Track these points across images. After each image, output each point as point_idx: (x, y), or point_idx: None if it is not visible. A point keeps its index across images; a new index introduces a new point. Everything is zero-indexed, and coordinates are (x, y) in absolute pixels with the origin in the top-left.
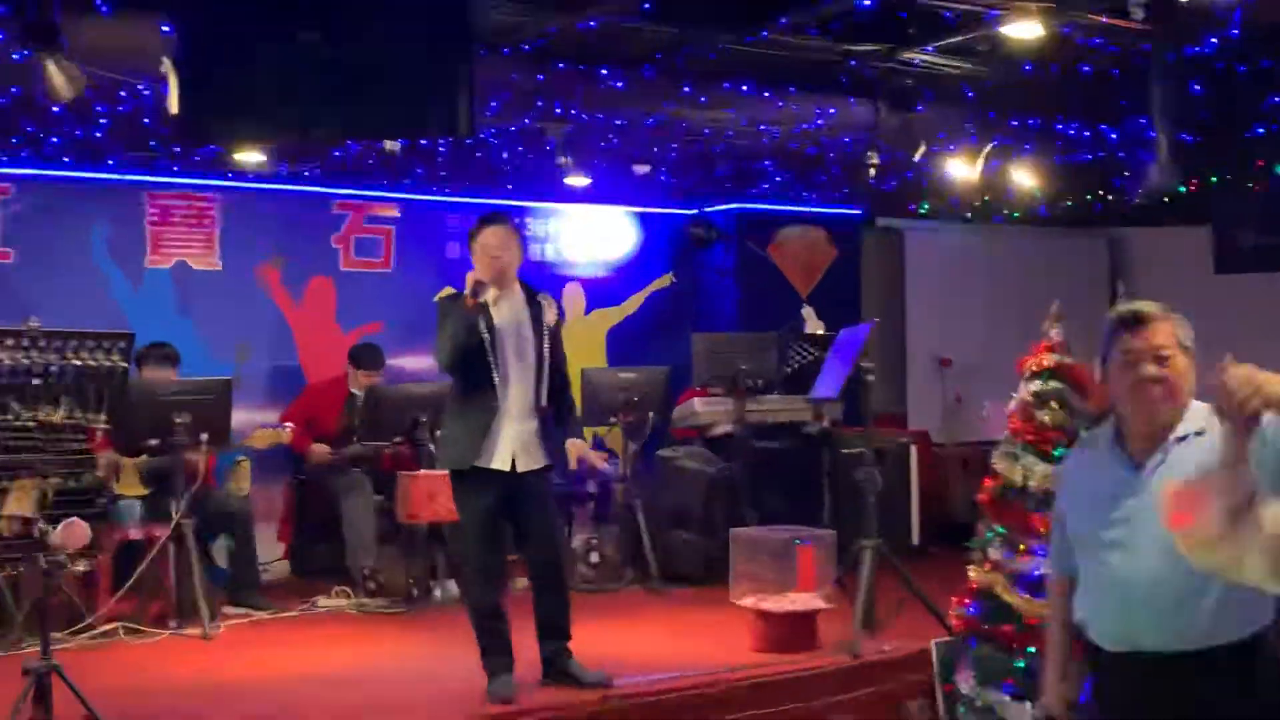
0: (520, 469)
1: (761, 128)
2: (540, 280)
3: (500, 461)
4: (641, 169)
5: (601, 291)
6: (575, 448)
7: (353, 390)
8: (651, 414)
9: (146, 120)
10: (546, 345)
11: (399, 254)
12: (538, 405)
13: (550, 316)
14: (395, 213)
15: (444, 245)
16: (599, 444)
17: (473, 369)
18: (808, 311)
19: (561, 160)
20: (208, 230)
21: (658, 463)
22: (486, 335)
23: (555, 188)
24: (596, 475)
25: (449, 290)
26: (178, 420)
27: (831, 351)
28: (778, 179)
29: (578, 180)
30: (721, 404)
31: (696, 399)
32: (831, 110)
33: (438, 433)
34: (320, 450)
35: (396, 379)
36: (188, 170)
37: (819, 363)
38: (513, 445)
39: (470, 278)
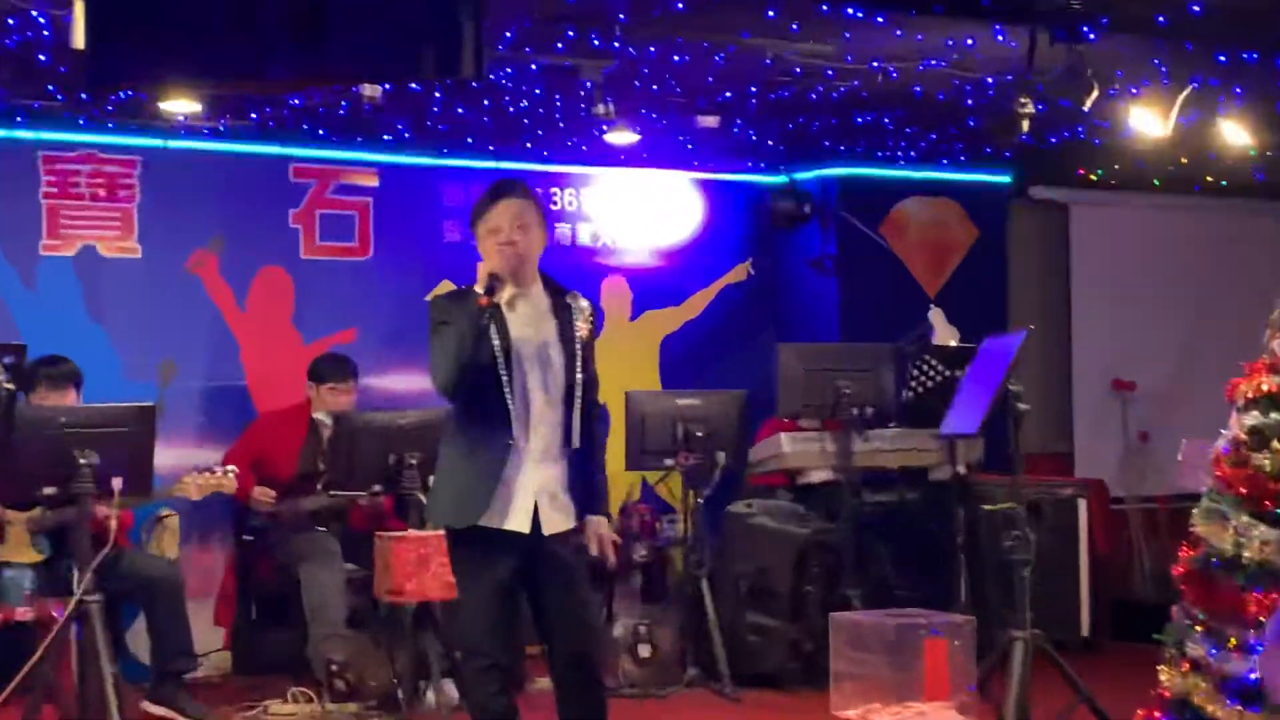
0: (544, 530)
1: (874, 65)
2: (570, 273)
3: (516, 520)
4: (708, 121)
5: (654, 287)
6: (594, 528)
7: (316, 420)
8: (721, 454)
9: (42, 57)
10: (579, 364)
11: (379, 237)
12: (566, 444)
13: (584, 327)
14: (374, 181)
15: (440, 224)
16: (648, 497)
17: (480, 394)
18: (936, 315)
19: (600, 109)
20: (123, 205)
21: (729, 521)
22: (500, 349)
23: (592, 147)
24: (622, 560)
25: (446, 286)
26: (82, 461)
27: (969, 371)
28: (896, 135)
29: (622, 137)
30: (817, 441)
31: (783, 434)
32: (969, 40)
33: (430, 479)
34: (273, 502)
35: (375, 405)
36: (96, 124)
37: (952, 386)
38: (533, 497)
39: (482, 269)
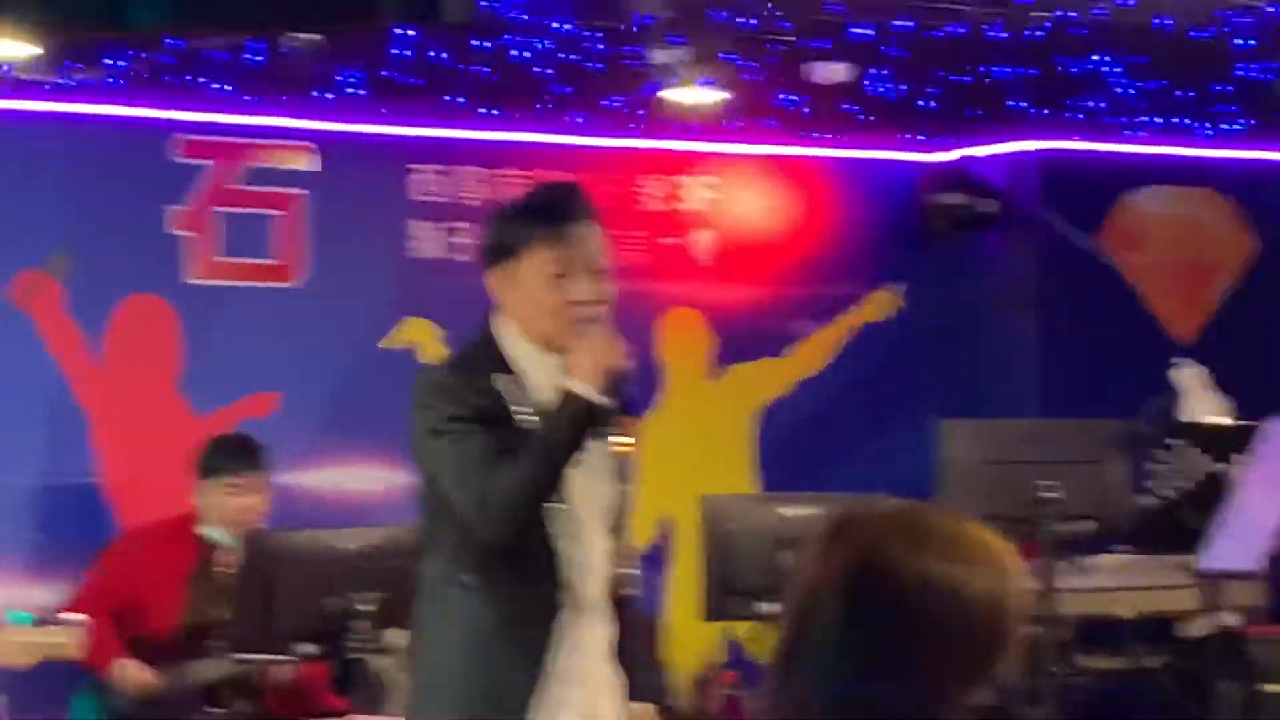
0: None
1: None
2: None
3: (566, 718)
4: (832, 71)
5: (746, 329)
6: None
7: (210, 540)
8: None
9: None
10: (627, 470)
11: (316, 249)
12: (618, 599)
13: (630, 437)
14: (309, 163)
15: (404, 230)
16: (737, 660)
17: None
18: (1190, 375)
19: (661, 59)
20: None
21: None
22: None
23: (648, 112)
24: None
25: (418, 328)
26: None
27: (1252, 471)
28: (1127, 91)
29: (694, 95)
30: None
31: None
32: None
33: (416, 650)
34: (145, 676)
35: (304, 518)
36: None
37: (1218, 488)
38: (592, 683)
39: (587, 359)
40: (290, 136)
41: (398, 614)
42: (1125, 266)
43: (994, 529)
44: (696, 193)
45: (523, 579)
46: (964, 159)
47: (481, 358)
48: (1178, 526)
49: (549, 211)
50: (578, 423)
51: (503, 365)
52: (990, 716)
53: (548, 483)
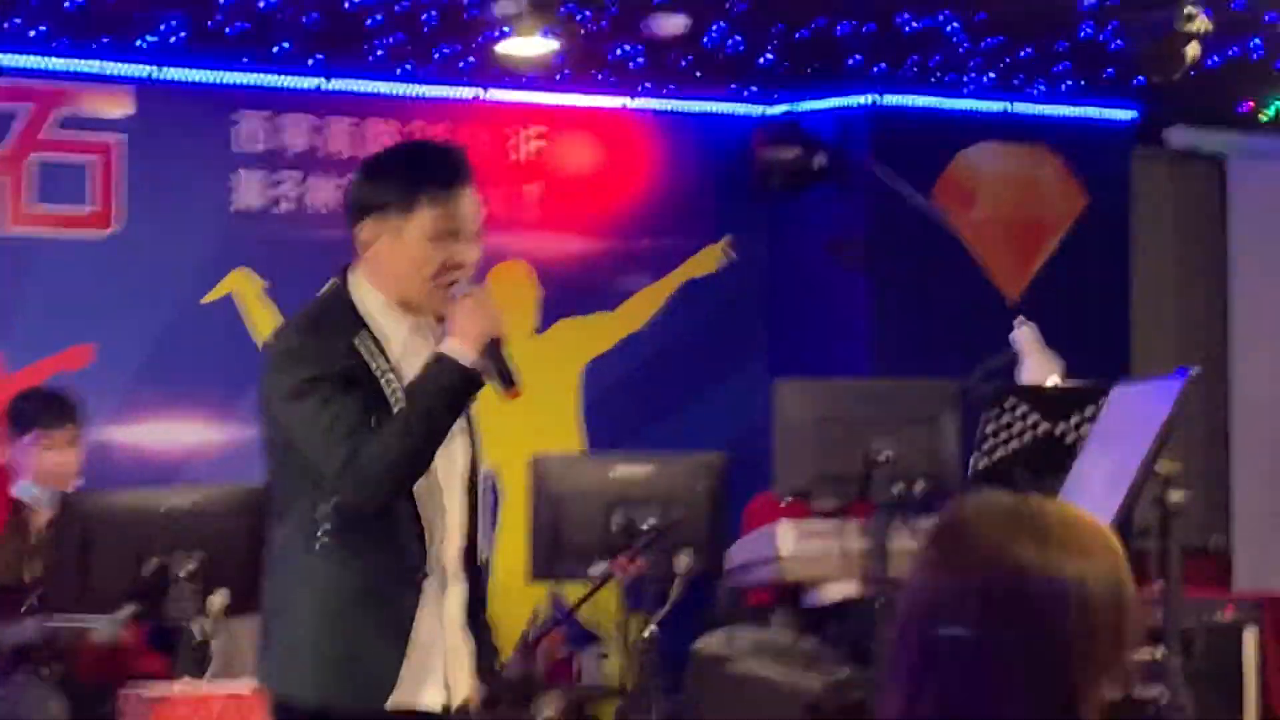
0: (454, 700)
1: None
2: None
3: (431, 692)
4: (670, 24)
5: (574, 281)
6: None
7: (20, 500)
8: (684, 556)
9: None
10: (473, 424)
11: (133, 198)
12: (471, 558)
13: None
14: (126, 107)
15: (227, 178)
16: (566, 621)
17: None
18: (1026, 335)
19: (501, 9)
20: None
21: (697, 665)
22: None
23: (481, 61)
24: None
25: (240, 279)
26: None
27: (1093, 437)
28: (962, 46)
29: (529, 46)
30: (834, 535)
31: (782, 524)
32: None
33: (265, 614)
34: None
35: (120, 474)
36: None
37: (1052, 448)
38: (449, 651)
39: (469, 319)
40: (108, 81)
41: (219, 575)
42: (957, 223)
43: (827, 489)
44: (527, 145)
45: (384, 544)
46: (796, 113)
47: (335, 317)
48: (1011, 487)
49: (440, 170)
50: (458, 389)
51: (359, 324)
52: (828, 688)
53: (427, 450)
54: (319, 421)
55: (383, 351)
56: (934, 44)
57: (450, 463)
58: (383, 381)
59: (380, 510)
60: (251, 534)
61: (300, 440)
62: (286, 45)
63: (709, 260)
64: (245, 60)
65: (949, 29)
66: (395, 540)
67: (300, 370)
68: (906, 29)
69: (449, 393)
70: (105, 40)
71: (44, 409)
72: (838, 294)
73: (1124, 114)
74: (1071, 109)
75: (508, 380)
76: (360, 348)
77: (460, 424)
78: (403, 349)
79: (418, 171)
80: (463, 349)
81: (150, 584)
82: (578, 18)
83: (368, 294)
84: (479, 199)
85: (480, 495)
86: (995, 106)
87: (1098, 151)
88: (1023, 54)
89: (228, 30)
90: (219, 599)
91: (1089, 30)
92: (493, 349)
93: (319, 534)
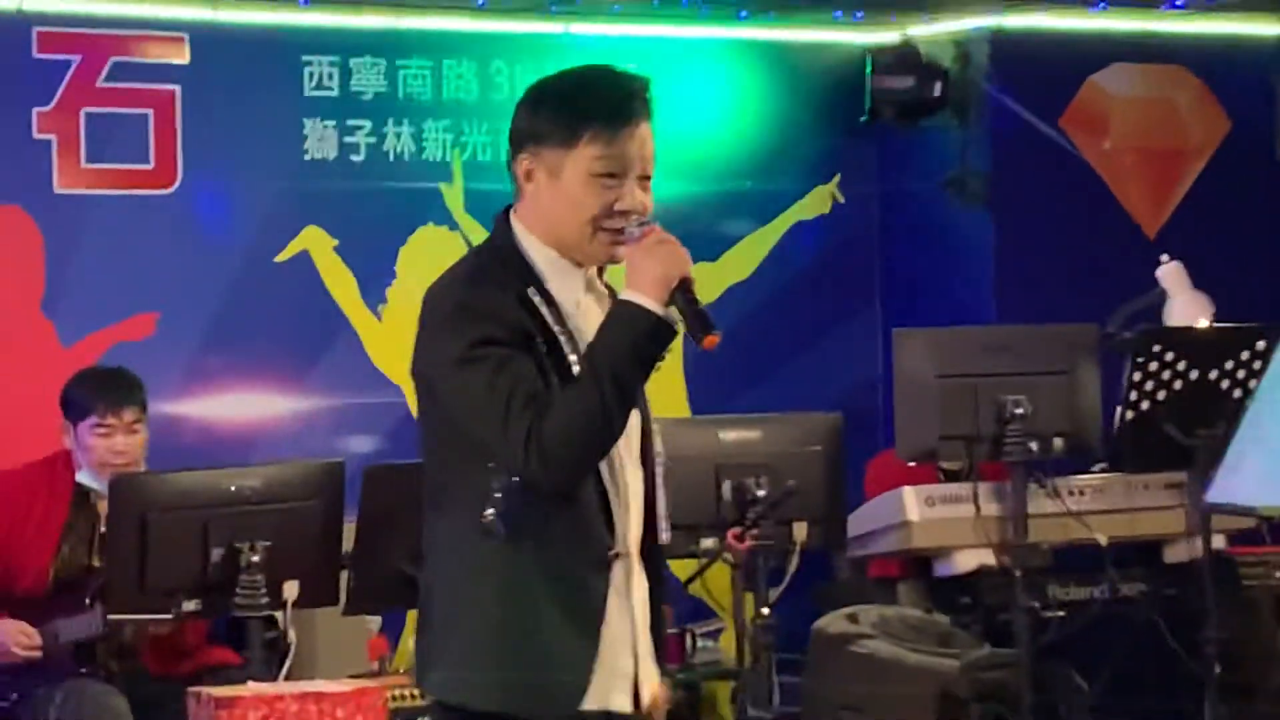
0: (644, 699)
1: None
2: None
3: (618, 695)
4: None
5: (674, 231)
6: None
7: (85, 488)
8: (800, 526)
9: None
10: (644, 400)
11: (191, 153)
12: (652, 542)
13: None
14: (182, 56)
15: (299, 126)
16: (677, 598)
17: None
18: (1171, 274)
19: None
20: None
21: (818, 644)
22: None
23: None
24: None
25: (315, 237)
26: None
27: (1270, 387)
28: None
29: None
30: (965, 501)
31: (906, 490)
32: None
33: (436, 616)
34: (14, 632)
35: (190, 451)
36: None
37: (1204, 396)
38: (639, 646)
39: (649, 261)
40: (160, 27)
41: (291, 565)
42: (1089, 154)
43: (955, 450)
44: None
45: (569, 528)
46: (908, 38)
47: (503, 267)
48: (1160, 442)
49: (611, 102)
50: (648, 341)
51: (530, 275)
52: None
53: (620, 416)
54: (496, 391)
55: (556, 307)
56: None
57: (628, 442)
58: (562, 340)
59: (569, 489)
60: (327, 518)
61: (471, 413)
62: None
63: (818, 202)
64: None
65: None
66: (582, 522)
67: (470, 330)
68: None
69: (638, 347)
70: None
71: (102, 392)
72: (959, 235)
73: (1270, 30)
74: (1212, 25)
75: (705, 324)
76: (535, 299)
77: (640, 411)
78: (575, 307)
79: (582, 102)
80: (648, 295)
81: (216, 574)
82: None
83: (532, 242)
84: (651, 140)
85: (656, 469)
86: (1129, 26)
87: (1241, 72)
88: None
89: None
90: (291, 590)
91: None
92: (683, 291)
93: (496, 519)
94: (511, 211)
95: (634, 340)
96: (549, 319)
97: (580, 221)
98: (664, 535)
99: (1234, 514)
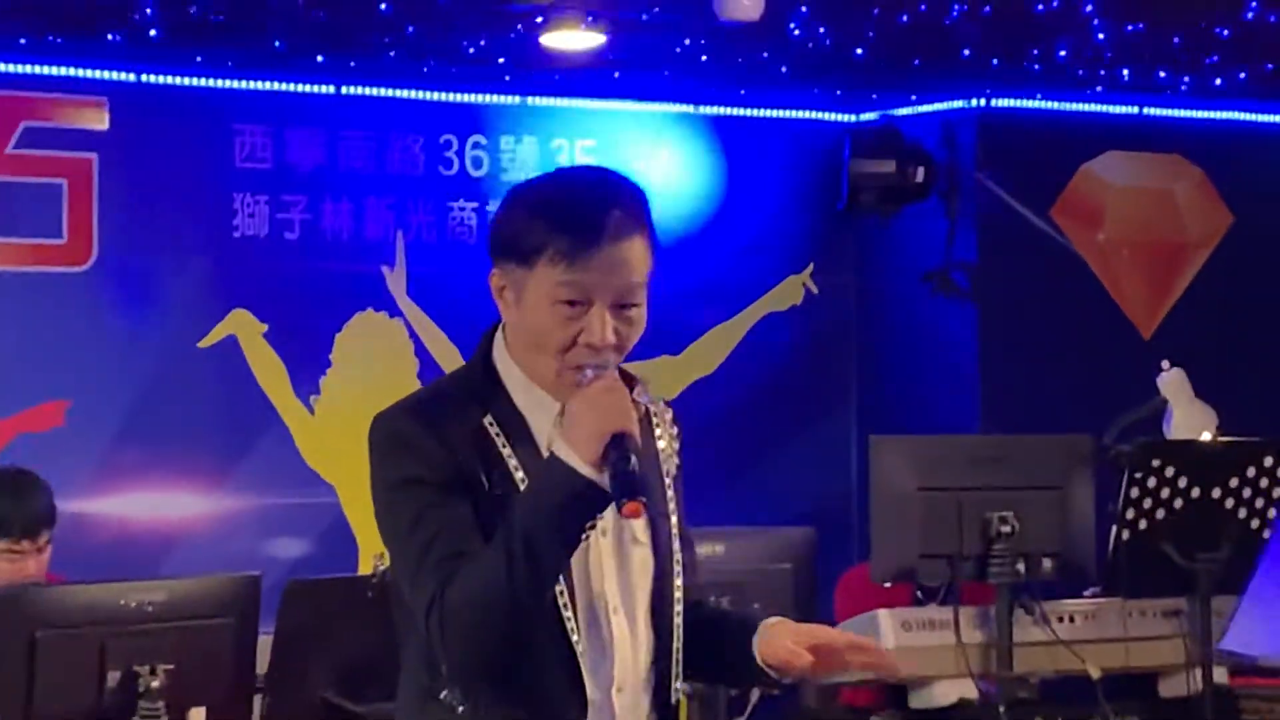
0: None
1: None
2: (482, 291)
3: None
4: (741, 7)
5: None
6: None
7: None
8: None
9: None
10: (677, 547)
11: (107, 226)
12: (663, 704)
13: (672, 461)
14: (101, 121)
15: (229, 200)
16: None
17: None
18: (1172, 383)
19: None
20: None
21: None
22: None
23: (519, 59)
24: None
25: (241, 320)
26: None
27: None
28: (1092, 35)
29: (575, 39)
30: (945, 627)
31: (882, 613)
32: None
33: None
34: None
35: (95, 557)
36: None
37: (1207, 515)
38: None
39: (587, 413)
40: (78, 86)
41: (196, 690)
42: (1082, 247)
43: (936, 569)
44: (573, 158)
45: (528, 698)
46: (889, 119)
47: (466, 392)
48: (1158, 565)
49: (574, 219)
50: (569, 504)
51: (496, 404)
52: None
53: (528, 587)
54: (411, 543)
55: (530, 439)
56: (1061, 30)
57: (629, 587)
58: (519, 480)
59: (471, 671)
60: (239, 638)
61: (393, 560)
62: (281, 43)
63: (790, 292)
64: (237, 61)
65: (1086, 8)
66: (544, 693)
67: (400, 465)
68: (1037, 6)
69: (561, 511)
70: (68, 35)
71: (14, 511)
72: (941, 332)
73: (1275, 118)
74: (1214, 113)
75: (629, 490)
76: (492, 431)
77: (640, 534)
78: (549, 442)
79: (544, 216)
80: (579, 453)
81: (112, 700)
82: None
83: (509, 366)
84: (636, 254)
85: (676, 628)
86: (1125, 110)
87: (1245, 162)
88: (1173, 41)
89: (212, 18)
90: (197, 719)
91: (1254, 9)
92: (616, 447)
93: (441, 682)
94: (500, 326)
95: (556, 503)
96: (505, 456)
97: (545, 353)
98: (676, 695)
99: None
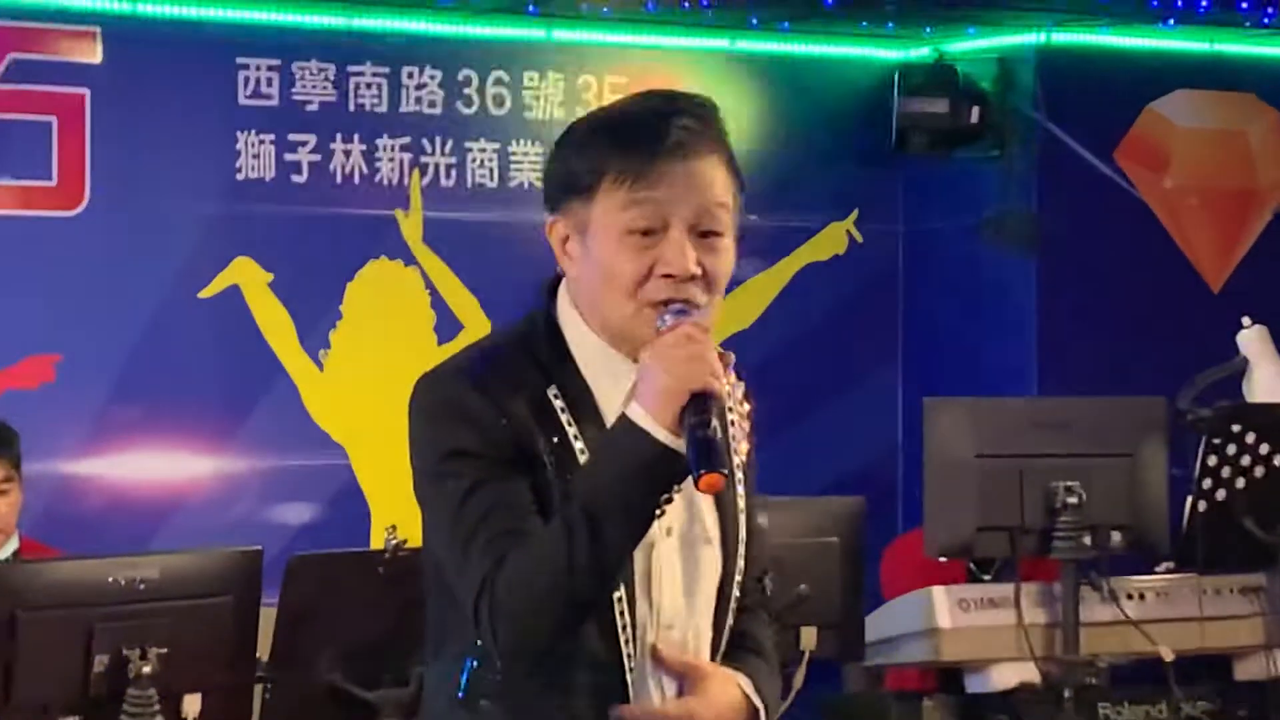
0: None
1: None
2: (508, 245)
3: None
4: None
5: None
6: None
7: None
8: (810, 632)
9: None
10: (743, 533)
11: (100, 168)
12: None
13: (743, 443)
14: (92, 54)
15: (232, 138)
16: None
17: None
18: (1253, 340)
19: None
20: None
21: None
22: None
23: None
24: None
25: (245, 268)
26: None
27: None
28: None
29: None
30: (1005, 605)
31: (936, 590)
32: None
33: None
34: None
35: (88, 522)
36: None
37: None
38: None
39: (662, 374)
40: (68, 17)
41: (191, 675)
42: (1147, 193)
43: (994, 544)
44: (606, 97)
45: (568, 700)
46: (942, 54)
47: (527, 356)
48: (1236, 538)
49: (636, 132)
50: (643, 476)
51: (561, 370)
52: None
53: (591, 570)
54: (460, 521)
55: (597, 414)
56: None
57: (692, 578)
58: (584, 458)
59: (524, 658)
60: (238, 618)
61: (436, 540)
62: None
63: (832, 241)
64: None
65: None
66: (586, 695)
67: (447, 436)
68: None
69: (630, 483)
70: None
71: None
72: (995, 285)
73: None
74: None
75: (707, 460)
76: (557, 405)
77: (711, 529)
78: (620, 407)
79: (603, 134)
80: (653, 414)
81: (100, 687)
82: None
83: (576, 324)
84: (713, 173)
85: (727, 628)
86: (1196, 46)
87: None
88: None
89: None
90: (192, 706)
91: None
92: (695, 410)
93: (473, 680)
94: (560, 282)
95: (624, 473)
96: (571, 435)
97: (617, 296)
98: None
99: None
